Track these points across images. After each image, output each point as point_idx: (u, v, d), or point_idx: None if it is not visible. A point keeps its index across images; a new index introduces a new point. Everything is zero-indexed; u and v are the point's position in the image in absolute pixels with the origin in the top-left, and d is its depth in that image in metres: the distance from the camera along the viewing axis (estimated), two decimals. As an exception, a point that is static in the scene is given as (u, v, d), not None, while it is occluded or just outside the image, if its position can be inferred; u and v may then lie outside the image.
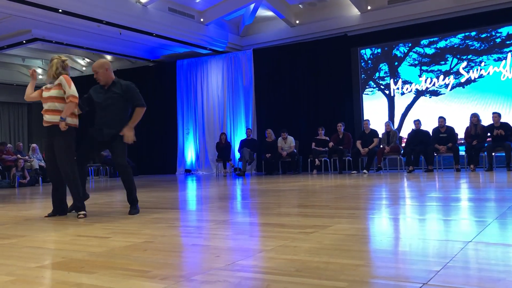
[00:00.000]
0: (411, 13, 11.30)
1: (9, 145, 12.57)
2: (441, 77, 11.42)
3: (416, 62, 11.78)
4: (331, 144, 11.19)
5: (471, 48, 11.13)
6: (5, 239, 3.22)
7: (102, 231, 3.41)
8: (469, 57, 11.14)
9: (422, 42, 11.69)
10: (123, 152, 4.45)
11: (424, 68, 11.67)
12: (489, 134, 9.73)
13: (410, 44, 11.85)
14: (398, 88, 11.96)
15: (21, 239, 3.19)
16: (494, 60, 10.85)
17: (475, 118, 9.89)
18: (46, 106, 4.34)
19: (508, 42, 10.71)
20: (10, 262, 2.45)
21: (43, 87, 4.43)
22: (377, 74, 12.28)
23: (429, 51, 11.62)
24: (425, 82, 11.61)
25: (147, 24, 11.25)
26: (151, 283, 1.92)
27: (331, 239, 2.70)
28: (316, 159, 11.30)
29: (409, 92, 11.82)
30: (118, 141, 4.43)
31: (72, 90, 4.25)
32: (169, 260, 2.37)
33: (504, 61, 10.73)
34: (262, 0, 11.64)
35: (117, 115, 4.45)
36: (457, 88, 11.27)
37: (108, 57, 15.52)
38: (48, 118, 4.31)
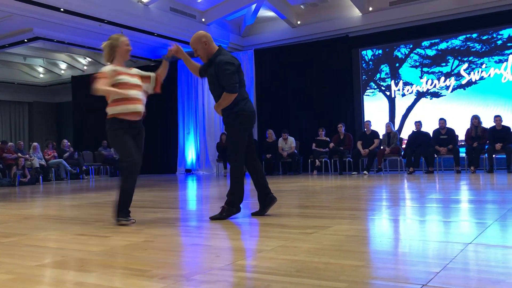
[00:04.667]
0: (412, 14, 11.30)
1: (10, 143, 12.57)
2: (442, 78, 11.41)
3: (417, 64, 11.77)
4: (331, 145, 11.20)
5: (472, 50, 11.12)
6: (6, 237, 3.22)
7: (102, 230, 3.41)
8: (470, 59, 11.12)
9: (423, 44, 11.68)
10: (231, 143, 3.89)
11: (425, 69, 11.66)
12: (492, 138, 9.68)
13: (411, 46, 11.84)
14: (399, 90, 11.95)
15: (22, 237, 3.19)
16: (495, 62, 10.84)
17: (476, 120, 9.90)
18: (133, 93, 3.64)
19: (509, 44, 10.69)
20: (10, 261, 2.45)
21: (118, 70, 3.62)
22: (378, 75, 12.28)
23: (430, 52, 11.61)
24: (426, 83, 11.60)
25: (149, 24, 11.26)
26: (151, 283, 1.92)
27: (331, 239, 2.70)
28: (317, 160, 11.30)
29: (410, 93, 11.81)
30: (228, 129, 3.92)
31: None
32: (169, 259, 2.37)
33: (505, 63, 10.71)
34: (264, 0, 11.64)
35: (217, 96, 3.86)
36: (458, 89, 11.26)
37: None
38: (141, 107, 3.72)
